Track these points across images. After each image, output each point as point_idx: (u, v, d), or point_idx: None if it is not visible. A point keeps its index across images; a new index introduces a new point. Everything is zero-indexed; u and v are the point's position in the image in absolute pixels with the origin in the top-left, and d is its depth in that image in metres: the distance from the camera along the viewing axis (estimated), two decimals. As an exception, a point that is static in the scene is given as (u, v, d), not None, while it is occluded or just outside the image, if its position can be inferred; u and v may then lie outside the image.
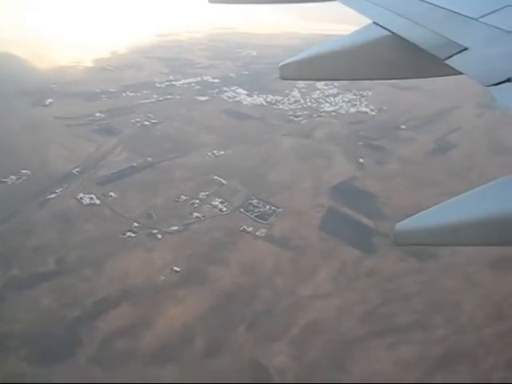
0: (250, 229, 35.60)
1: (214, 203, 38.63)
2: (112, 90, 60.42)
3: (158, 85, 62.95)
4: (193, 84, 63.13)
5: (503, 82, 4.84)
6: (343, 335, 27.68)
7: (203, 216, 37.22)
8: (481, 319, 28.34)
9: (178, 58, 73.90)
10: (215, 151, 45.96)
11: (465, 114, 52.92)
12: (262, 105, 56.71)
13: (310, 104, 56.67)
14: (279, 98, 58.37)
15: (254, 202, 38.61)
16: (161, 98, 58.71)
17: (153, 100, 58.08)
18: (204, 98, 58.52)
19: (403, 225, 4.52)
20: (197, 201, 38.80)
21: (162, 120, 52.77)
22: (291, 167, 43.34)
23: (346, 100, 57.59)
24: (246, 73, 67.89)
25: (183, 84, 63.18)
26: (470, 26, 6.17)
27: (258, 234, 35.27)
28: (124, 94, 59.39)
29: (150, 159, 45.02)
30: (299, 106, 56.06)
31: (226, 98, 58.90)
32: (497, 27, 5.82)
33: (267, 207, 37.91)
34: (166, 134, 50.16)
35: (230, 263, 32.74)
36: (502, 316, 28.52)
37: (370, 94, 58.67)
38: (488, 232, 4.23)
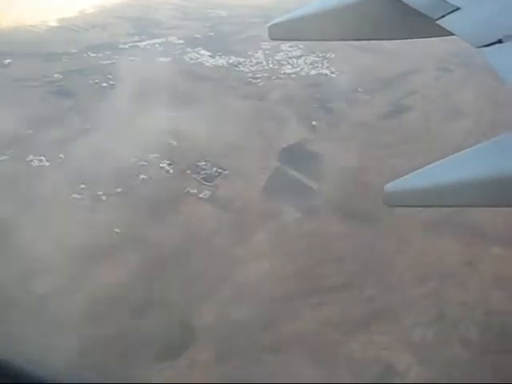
0: (194, 191, 35.81)
1: (161, 165, 38.71)
2: (74, 50, 59.54)
3: (121, 45, 62.00)
4: (157, 45, 62.18)
5: (494, 43, 4.99)
6: (272, 295, 28.15)
7: (149, 178, 37.32)
8: (409, 280, 28.94)
9: (146, 18, 72.45)
10: (170, 113, 45.58)
11: (424, 77, 52.67)
12: (223, 66, 56.12)
13: (271, 66, 56.04)
14: (242, 59, 57.65)
15: (202, 164, 38.68)
16: (122, 59, 57.78)
17: (113, 61, 57.22)
18: (166, 60, 57.80)
19: (392, 186, 4.73)
20: (145, 163, 38.75)
21: (121, 81, 52.11)
22: (242, 129, 43.23)
23: (309, 62, 56.93)
24: (211, 34, 66.82)
25: (147, 45, 62.19)
26: None
27: (201, 195, 35.54)
28: (85, 55, 58.58)
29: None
30: (260, 68, 55.45)
31: (188, 59, 58.20)
32: None
33: (214, 169, 38.02)
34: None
35: (170, 224, 33.10)
36: (429, 277, 29.07)
37: (333, 56, 57.97)
38: (478, 193, 4.40)
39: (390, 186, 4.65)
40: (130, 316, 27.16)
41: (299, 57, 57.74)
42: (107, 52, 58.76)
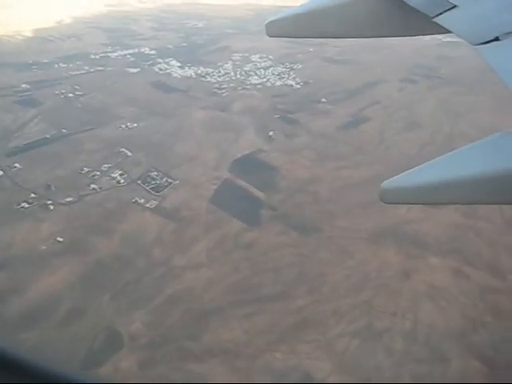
0: (142, 200, 36.02)
1: (113, 175, 38.95)
2: (45, 60, 60.14)
3: (92, 56, 62.65)
4: (128, 56, 62.81)
5: (491, 40, 4.84)
6: (205, 305, 28.23)
7: (100, 188, 37.56)
8: (343, 290, 29.00)
9: (122, 28, 73.32)
10: (129, 123, 46.11)
11: (387, 88, 53.02)
12: (191, 77, 56.62)
13: (238, 77, 56.57)
14: (210, 70, 58.23)
15: (153, 174, 38.94)
16: (92, 70, 58.52)
17: (83, 72, 57.90)
18: (135, 70, 58.36)
19: (390, 183, 4.54)
20: (98, 173, 39.09)
21: (87, 92, 52.74)
22: (198, 140, 43.58)
23: (276, 73, 57.47)
24: (184, 44, 67.53)
25: (118, 56, 62.88)
26: None
27: (148, 205, 35.72)
28: (56, 65, 59.16)
29: (64, 131, 45.19)
30: (227, 79, 55.96)
31: (157, 70, 58.76)
32: None
33: (164, 179, 38.27)
34: (87, 105, 50.20)
35: (113, 234, 33.18)
36: (363, 288, 29.15)
37: (300, 67, 58.51)
38: (475, 190, 4.28)
39: (387, 183, 4.55)
40: (59, 323, 27.21)
41: (267, 68, 58.22)
42: (78, 62, 59.26)
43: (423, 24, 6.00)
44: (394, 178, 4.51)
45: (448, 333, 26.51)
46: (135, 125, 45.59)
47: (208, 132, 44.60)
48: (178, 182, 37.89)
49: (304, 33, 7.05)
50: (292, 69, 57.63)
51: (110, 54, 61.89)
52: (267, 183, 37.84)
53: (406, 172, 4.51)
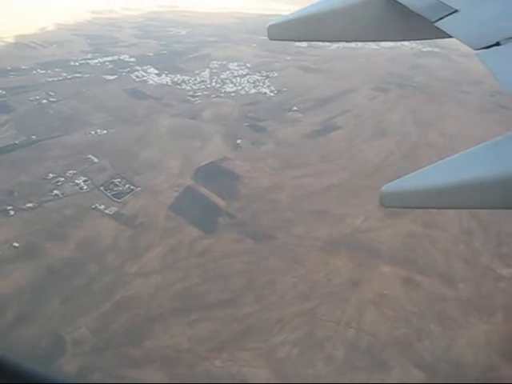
0: (102, 207, 36.18)
1: (77, 181, 39.15)
2: (24, 67, 60.53)
3: (72, 63, 63.01)
4: (107, 63, 63.20)
5: (492, 45, 4.88)
6: (151, 311, 28.35)
7: (62, 194, 37.73)
8: (290, 298, 29.12)
9: (105, 35, 73.81)
10: (99, 130, 46.37)
11: (359, 97, 53.30)
12: (166, 84, 56.93)
13: (214, 84, 56.88)
14: (187, 77, 58.55)
15: (117, 180, 39.13)
16: (69, 77, 58.85)
17: (60, 78, 58.22)
18: (112, 77, 58.69)
19: (390, 187, 4.51)
20: (62, 179, 39.29)
21: (61, 98, 53.03)
22: (164, 147, 43.82)
23: (251, 81, 57.77)
24: (164, 52, 67.93)
25: (97, 63, 63.27)
26: None
27: (107, 211, 35.89)
28: (34, 72, 59.51)
29: (34, 137, 45.39)
30: (203, 87, 56.27)
31: (134, 77, 59.09)
32: None
33: (126, 186, 38.46)
34: (60, 112, 50.48)
35: (69, 239, 33.33)
36: (311, 296, 29.26)
37: (275, 75, 58.81)
38: (476, 194, 4.25)
39: (387, 187, 4.49)
40: (4, 328, 27.33)
41: (244, 76, 58.55)
42: (57, 69, 59.60)
43: (424, 28, 6.07)
44: (395, 181, 4.52)
45: (391, 341, 26.57)
46: (104, 131, 45.84)
47: (175, 139, 44.83)
48: (139, 188, 38.08)
49: (305, 36, 7.18)
50: (268, 77, 57.95)
51: (89, 61, 62.27)
52: (228, 191, 38.02)
53: (407, 176, 4.51)
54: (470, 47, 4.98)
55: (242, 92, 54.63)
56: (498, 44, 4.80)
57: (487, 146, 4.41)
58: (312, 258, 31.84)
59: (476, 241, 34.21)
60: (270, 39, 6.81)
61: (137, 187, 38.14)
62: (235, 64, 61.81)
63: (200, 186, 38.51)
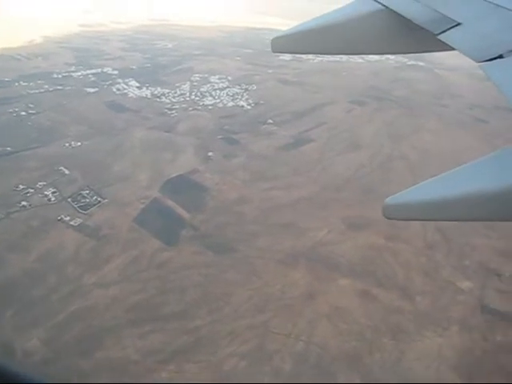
0: (67, 218, 36.37)
1: (46, 193, 39.38)
2: (7, 79, 61.08)
3: (55, 75, 63.54)
4: (90, 75, 63.72)
5: (495, 58, 4.93)
6: (105, 323, 28.43)
7: (30, 205, 37.94)
8: (243, 311, 29.16)
9: (91, 48, 74.44)
10: (73, 142, 46.74)
11: (335, 110, 53.51)
12: (146, 97, 57.34)
13: (193, 97, 57.25)
14: (167, 90, 58.96)
15: (85, 192, 39.38)
16: (51, 89, 59.34)
17: (42, 90, 58.70)
18: (93, 90, 59.15)
19: (393, 199, 4.54)
20: (32, 190, 39.53)
21: (41, 111, 53.46)
22: (137, 160, 44.08)
23: (230, 94, 58.14)
24: (148, 65, 68.42)
25: (80, 75, 63.79)
26: (462, 1, 6.26)
27: (72, 223, 36.06)
28: (16, 84, 60.03)
29: (9, 148, 45.67)
30: (182, 99, 56.65)
31: (115, 90, 59.53)
32: (489, 2, 5.88)
33: (94, 198, 38.70)
34: (38, 124, 50.89)
35: (31, 251, 33.49)
36: (265, 309, 29.29)
37: (254, 88, 59.18)
38: (477, 207, 4.27)
39: (391, 199, 4.51)
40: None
41: (223, 89, 58.88)
42: (39, 81, 60.11)
43: (428, 41, 6.12)
44: (398, 193, 4.54)
45: (341, 355, 26.56)
46: (79, 143, 46.19)
47: (147, 152, 45.12)
48: (107, 200, 38.29)
49: (308, 49, 7.27)
50: (247, 90, 58.32)
51: (72, 74, 62.81)
52: (195, 203, 38.19)
53: (411, 188, 4.55)
54: (473, 60, 5.07)
55: (220, 105, 54.95)
56: (501, 56, 4.88)
57: (490, 159, 4.46)
58: (270, 270, 31.87)
59: (438, 254, 34.22)
60: (274, 52, 6.88)
61: (104, 199, 38.33)
62: (216, 77, 62.29)
63: (167, 198, 38.69)
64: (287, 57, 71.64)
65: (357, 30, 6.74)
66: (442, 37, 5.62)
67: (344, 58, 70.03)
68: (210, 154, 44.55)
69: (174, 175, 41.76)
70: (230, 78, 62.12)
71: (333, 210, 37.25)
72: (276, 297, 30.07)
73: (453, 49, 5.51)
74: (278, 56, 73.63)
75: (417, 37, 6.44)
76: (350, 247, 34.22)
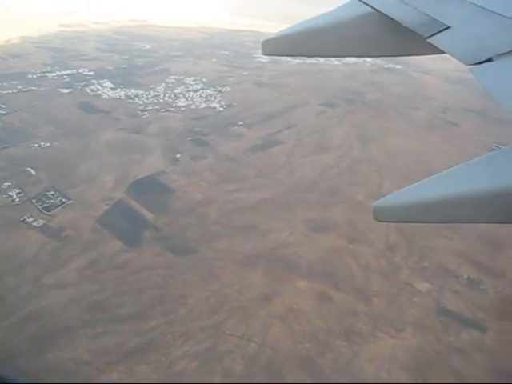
0: (30, 219, 36.31)
1: (10, 193, 39.26)
2: (-19, 79, 60.87)
3: (30, 76, 63.32)
4: (65, 76, 63.56)
5: (485, 61, 4.94)
6: (59, 323, 28.45)
7: (-8, 206, 37.79)
8: (198, 312, 29.29)
9: (69, 49, 74.25)
10: (43, 143, 46.65)
11: (306, 112, 53.72)
12: (119, 99, 57.27)
13: (166, 99, 57.28)
14: (141, 92, 58.95)
15: (50, 193, 39.34)
16: (24, 90, 59.13)
17: (15, 91, 58.51)
18: (67, 91, 59.03)
19: (382, 201, 4.54)
20: (-4, 191, 39.37)
21: (12, 111, 53.29)
22: (104, 161, 44.10)
23: (204, 96, 58.23)
24: (124, 66, 68.29)
25: (55, 76, 63.59)
26: (452, 5, 6.22)
27: (35, 224, 36.01)
28: (-10, 84, 59.81)
29: (-24, 149, 45.54)
30: (155, 101, 56.67)
31: (89, 91, 59.46)
32: (478, 6, 5.89)
33: (58, 199, 38.65)
34: (8, 124, 50.73)
35: (-10, 252, 33.35)
36: (220, 310, 29.42)
37: (228, 90, 59.32)
38: (469, 209, 4.29)
39: (381, 202, 4.53)
40: None
41: (197, 90, 58.91)
42: (13, 82, 59.91)
43: (417, 44, 6.12)
44: (388, 196, 4.55)
45: (293, 356, 26.70)
46: (48, 144, 46.13)
47: (115, 153, 45.14)
48: (71, 201, 38.26)
49: (298, 52, 7.18)
50: (220, 92, 58.36)
51: (47, 74, 62.62)
52: (159, 205, 38.26)
53: (401, 190, 4.54)
54: (463, 63, 5.11)
55: (193, 106, 55.05)
56: (490, 60, 4.92)
57: (483, 160, 4.46)
58: (229, 272, 32.03)
59: (398, 256, 34.49)
60: (264, 54, 6.89)
61: (69, 200, 38.34)
62: (192, 79, 62.37)
63: (131, 199, 38.70)
64: (264, 59, 71.84)
65: (347, 32, 6.79)
66: (431, 40, 5.69)
67: (321, 60, 70.33)
68: (178, 155, 44.61)
69: (141, 177, 41.73)
70: (204, 79, 62.19)
71: (296, 212, 37.45)
72: (232, 298, 30.17)
73: (442, 52, 5.58)
74: (256, 58, 73.91)
75: (406, 40, 6.51)
76: (311, 249, 34.39)
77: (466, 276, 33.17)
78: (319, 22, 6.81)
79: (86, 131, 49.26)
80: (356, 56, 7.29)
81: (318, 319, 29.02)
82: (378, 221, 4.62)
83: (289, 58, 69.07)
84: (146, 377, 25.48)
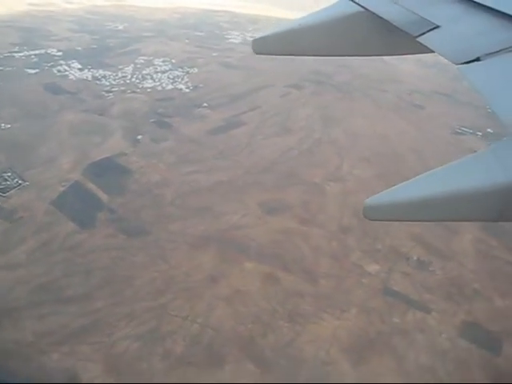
0: (-16, 201, 36.16)
1: (-34, 176, 39.06)
2: None
3: (-3, 56, 62.62)
4: (33, 56, 62.84)
5: (473, 60, 4.99)
6: (6, 305, 28.64)
7: None
8: (144, 293, 29.50)
9: (39, 28, 73.33)
10: (3, 124, 46.33)
11: (271, 93, 53.61)
12: (86, 79, 56.84)
13: (134, 80, 56.93)
14: (108, 73, 58.51)
15: (7, 175, 39.20)
16: (-11, 70, 58.52)
17: (-21, 71, 57.87)
18: (33, 71, 58.44)
19: (373, 200, 4.49)
20: (-51, 173, 39.18)
21: (-26, 92, 52.81)
22: (64, 142, 43.94)
23: (171, 77, 57.89)
24: (94, 46, 67.65)
25: (23, 56, 62.87)
26: (441, 4, 6.24)
27: (-12, 206, 35.89)
28: (-46, 65, 59.15)
29: None
30: (121, 82, 56.29)
31: (56, 71, 58.90)
32: (467, 5, 5.92)
33: (15, 180, 38.52)
34: (-31, 106, 50.32)
35: None
36: (166, 291, 29.64)
37: (196, 71, 59.04)
38: (455, 207, 4.27)
39: (371, 200, 4.46)
40: None
41: (165, 72, 58.56)
42: (-21, 62, 59.24)
43: (407, 43, 6.15)
44: (379, 194, 4.50)
45: (234, 337, 27.00)
46: (9, 126, 45.85)
47: (76, 135, 44.96)
48: (27, 183, 38.13)
49: (288, 51, 7.16)
50: (188, 73, 58.00)
51: (15, 54, 61.91)
52: (116, 186, 38.26)
53: (392, 188, 4.47)
54: (452, 62, 5.16)
55: (159, 88, 54.77)
56: (478, 59, 4.99)
57: (476, 157, 4.50)
58: (179, 254, 32.20)
59: (351, 238, 34.78)
60: (255, 53, 6.91)
61: (25, 182, 38.18)
62: (161, 60, 61.91)
63: (88, 181, 38.65)
64: (237, 40, 71.47)
65: (336, 31, 6.82)
66: (420, 39, 5.74)
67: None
68: (139, 137, 44.53)
69: (99, 158, 41.64)
70: (173, 60, 61.79)
71: (251, 194, 37.61)
72: (179, 280, 30.40)
73: (432, 51, 5.64)
74: (228, 39, 73.46)
75: (396, 39, 6.57)
76: (263, 231, 34.59)
77: (415, 258, 33.43)
78: (309, 21, 6.87)
79: (49, 112, 48.92)
80: (346, 55, 7.34)
81: (264, 300, 29.25)
82: (369, 219, 4.61)
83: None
84: (85, 358, 25.64)
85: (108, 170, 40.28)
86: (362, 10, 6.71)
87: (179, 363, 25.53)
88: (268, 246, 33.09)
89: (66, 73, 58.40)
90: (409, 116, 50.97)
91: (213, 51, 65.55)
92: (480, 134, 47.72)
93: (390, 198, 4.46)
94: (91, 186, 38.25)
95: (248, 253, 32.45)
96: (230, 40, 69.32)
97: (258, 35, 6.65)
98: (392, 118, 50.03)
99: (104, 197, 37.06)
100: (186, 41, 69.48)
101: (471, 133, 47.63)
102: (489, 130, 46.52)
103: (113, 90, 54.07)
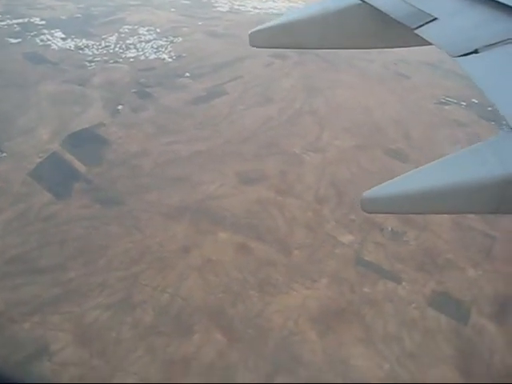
0: (-40, 173, 36.16)
1: None
2: None
3: (-22, 24, 61.88)
4: (15, 25, 62.02)
5: (471, 52, 5.10)
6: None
7: None
8: (117, 263, 29.81)
9: (23, -4, 72.30)
10: (-19, 95, 45.99)
11: (255, 63, 53.16)
12: (68, 49, 56.20)
13: (117, 50, 56.31)
14: (92, 42, 57.85)
15: (-16, 146, 39.11)
16: (-30, 39, 57.86)
17: (-41, 39, 57.26)
18: (16, 41, 57.79)
19: (371, 192, 4.60)
20: None
21: (-46, 62, 52.35)
22: (43, 113, 43.75)
23: (155, 46, 57.25)
24: (78, 15, 66.74)
25: (5, 25, 62.07)
26: None
27: (-36, 178, 35.87)
28: None
29: None
30: (104, 52, 55.70)
31: (38, 41, 58.19)
32: None
33: (-6, 151, 38.47)
34: (-51, 76, 49.92)
35: None
36: (139, 262, 29.90)
37: (180, 40, 58.44)
38: (453, 200, 4.33)
39: (369, 193, 4.58)
40: None
41: (149, 41, 57.99)
42: (-41, 30, 58.57)
43: (405, 36, 6.27)
44: (376, 187, 4.60)
45: (204, 307, 27.30)
46: (-13, 96, 45.51)
47: (56, 105, 44.72)
48: (5, 154, 38.10)
49: (285, 44, 7.63)
50: (172, 42, 57.35)
51: (-4, 23, 60.99)
52: (93, 157, 38.25)
53: (390, 181, 4.57)
54: (449, 54, 5.31)
55: (142, 58, 54.22)
56: (476, 51, 5.09)
57: (473, 150, 4.51)
58: (153, 224, 32.34)
59: (327, 208, 34.84)
60: (252, 46, 7.49)
61: (3, 153, 38.13)
62: (145, 29, 61.13)
63: (66, 152, 38.60)
64: (224, 8, 70.50)
65: (334, 24, 6.96)
66: (418, 31, 5.85)
67: (283, 10, 69.01)
68: (119, 107, 44.31)
69: (78, 129, 41.50)
70: (158, 30, 61.01)
71: (229, 164, 37.59)
72: (153, 250, 30.60)
73: (430, 43, 5.77)
74: (216, 7, 72.46)
75: (394, 31, 6.70)
76: (239, 201, 34.67)
77: (390, 228, 33.56)
78: (306, 14, 7.10)
79: (29, 83, 48.55)
80: (343, 48, 7.39)
81: (235, 270, 29.48)
82: (367, 212, 4.83)
83: (249, 8, 67.74)
84: (56, 327, 25.98)
85: (86, 141, 40.21)
86: (359, 2, 6.85)
87: (148, 333, 25.83)
88: (243, 216, 33.18)
89: (49, 42, 57.71)
90: (394, 86, 50.63)
91: (199, 20, 64.61)
92: (464, 103, 47.44)
93: (388, 190, 4.62)
94: (69, 156, 38.20)
95: (222, 223, 32.58)
96: (218, 8, 68.21)
97: (254, 28, 6.60)
98: (376, 89, 49.67)
99: (81, 167, 37.04)
100: (172, 9, 68.45)
101: (455, 103, 47.33)
102: (474, 100, 46.18)
103: (95, 59, 53.53)
